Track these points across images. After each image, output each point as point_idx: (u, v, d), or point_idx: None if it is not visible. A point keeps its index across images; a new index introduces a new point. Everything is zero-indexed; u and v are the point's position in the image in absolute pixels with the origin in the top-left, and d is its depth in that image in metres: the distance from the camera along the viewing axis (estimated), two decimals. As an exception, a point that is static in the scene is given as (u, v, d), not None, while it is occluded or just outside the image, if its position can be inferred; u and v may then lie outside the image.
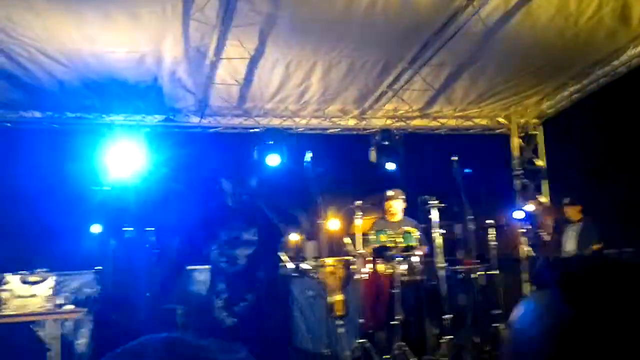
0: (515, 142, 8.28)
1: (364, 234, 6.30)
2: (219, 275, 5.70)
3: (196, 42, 5.58)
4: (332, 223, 8.95)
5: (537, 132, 8.23)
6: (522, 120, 8.21)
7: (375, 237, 6.16)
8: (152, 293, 6.23)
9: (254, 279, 5.39)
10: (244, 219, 5.66)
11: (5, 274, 5.67)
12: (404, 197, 6.62)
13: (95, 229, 9.17)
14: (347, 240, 6.45)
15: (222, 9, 5.01)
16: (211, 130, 7.45)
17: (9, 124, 6.86)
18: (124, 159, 6.68)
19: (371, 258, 6.21)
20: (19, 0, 4.78)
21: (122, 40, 5.50)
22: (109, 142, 6.67)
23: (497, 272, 6.34)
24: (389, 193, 6.58)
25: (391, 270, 5.99)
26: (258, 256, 5.49)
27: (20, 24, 5.11)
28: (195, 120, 7.26)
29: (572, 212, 7.12)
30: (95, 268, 6.93)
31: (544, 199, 8.17)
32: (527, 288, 7.89)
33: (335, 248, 7.30)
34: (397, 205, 6.55)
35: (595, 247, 7.00)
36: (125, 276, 6.77)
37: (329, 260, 6.51)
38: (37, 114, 6.89)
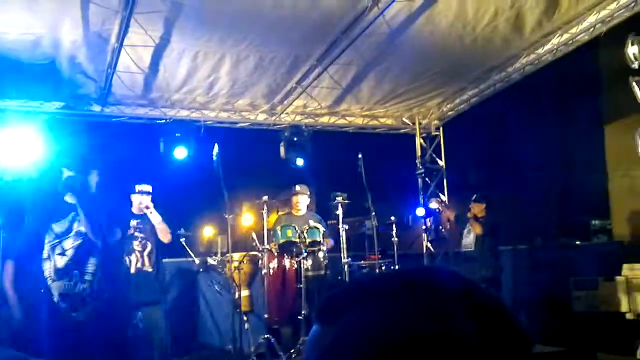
0: (418, 142, 8.61)
1: (270, 229, 6.33)
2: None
3: (97, 26, 5.38)
4: (240, 218, 8.93)
5: (439, 133, 8.60)
6: (425, 121, 8.55)
7: (281, 232, 6.20)
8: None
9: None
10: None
11: None
12: (309, 192, 6.72)
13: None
14: (253, 235, 6.46)
15: (124, -6, 4.86)
16: (114, 119, 7.20)
17: None
18: (19, 148, 6.32)
19: (277, 253, 6.25)
20: None
21: (16, 20, 5.21)
22: (2, 129, 6.29)
23: (397, 266, 6.56)
24: (297, 188, 6.65)
25: (296, 266, 6.06)
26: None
27: None
28: (96, 108, 7.00)
29: (477, 209, 7.46)
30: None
31: (444, 197, 8.53)
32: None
33: (245, 243, 7.28)
34: (303, 201, 6.64)
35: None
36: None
37: (236, 256, 6.49)
38: None
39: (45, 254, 5.08)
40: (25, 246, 5.27)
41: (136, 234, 5.67)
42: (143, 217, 5.73)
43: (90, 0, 4.94)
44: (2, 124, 6.26)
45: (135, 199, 5.80)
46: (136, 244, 5.66)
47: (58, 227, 5.17)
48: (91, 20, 5.26)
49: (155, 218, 5.71)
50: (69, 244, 5.13)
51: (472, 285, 0.68)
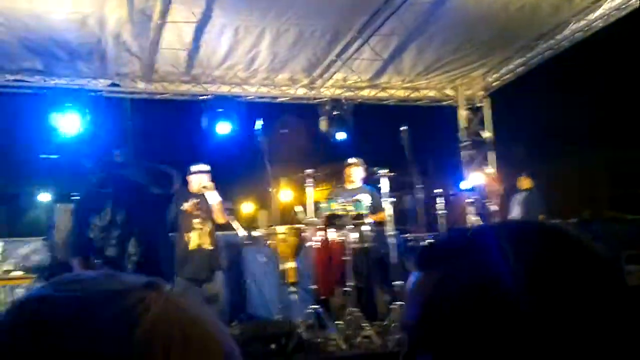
0: (462, 113, 8.44)
1: (315, 202, 6.36)
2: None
3: (140, 4, 5.45)
4: (283, 191, 9.02)
5: (484, 104, 8.41)
6: (469, 92, 8.36)
7: (326, 205, 6.22)
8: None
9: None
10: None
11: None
12: (365, 166, 6.68)
13: (44, 197, 8.99)
14: (298, 208, 6.50)
15: (166, -30, 4.91)
16: (158, 96, 7.32)
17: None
18: (68, 125, 6.53)
19: (322, 226, 6.28)
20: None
21: (63, 0, 5.32)
22: (54, 107, 6.50)
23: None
24: (350, 160, 6.64)
25: (342, 238, 6.08)
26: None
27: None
28: (141, 86, 7.12)
29: (522, 182, 7.36)
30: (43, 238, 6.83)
31: (490, 169, 8.38)
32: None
33: (289, 217, 7.35)
34: (356, 173, 6.61)
35: (541, 218, 7.26)
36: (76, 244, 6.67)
37: (281, 228, 6.55)
38: (-23, 76, 6.64)
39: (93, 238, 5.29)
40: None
41: (195, 212, 5.79)
42: (202, 197, 5.84)
43: (134, -23, 5.01)
44: (54, 102, 6.47)
45: (194, 179, 5.90)
46: (196, 222, 5.78)
47: (99, 220, 5.37)
48: (135, -2, 5.34)
49: (214, 198, 5.81)
50: (112, 233, 5.34)
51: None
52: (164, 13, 5.46)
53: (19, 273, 5.96)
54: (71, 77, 6.86)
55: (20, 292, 6.31)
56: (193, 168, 5.93)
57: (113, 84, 7.05)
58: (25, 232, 6.95)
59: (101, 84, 7.01)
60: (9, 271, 5.89)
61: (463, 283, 0.66)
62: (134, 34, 6.02)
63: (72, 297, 0.55)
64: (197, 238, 5.79)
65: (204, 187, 5.79)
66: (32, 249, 6.74)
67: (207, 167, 5.94)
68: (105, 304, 0.54)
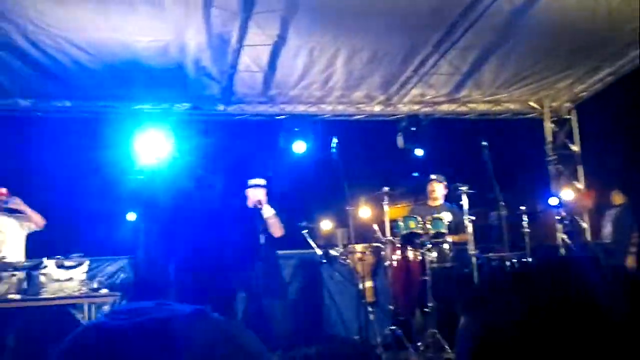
0: (548, 126, 8.06)
1: (393, 221, 6.24)
2: None
3: (218, 29, 5.59)
4: (360, 209, 8.92)
5: (571, 116, 7.99)
6: (555, 104, 7.98)
7: (404, 223, 6.10)
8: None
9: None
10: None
11: (43, 259, 5.86)
12: (446, 182, 6.52)
13: (130, 216, 9.38)
14: (375, 227, 6.41)
15: (242, -5, 5.01)
16: (236, 117, 7.48)
17: (40, 113, 7.03)
18: (152, 147, 6.79)
19: (400, 245, 6.15)
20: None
21: (146, 29, 5.55)
22: (138, 130, 6.78)
23: (531, 259, 6.19)
24: (432, 176, 6.50)
25: (421, 257, 5.93)
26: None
27: (48, 15, 5.21)
28: (220, 108, 7.30)
29: (615, 197, 6.95)
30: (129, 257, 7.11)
31: (580, 184, 7.96)
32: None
33: (366, 235, 7.27)
34: (438, 190, 6.46)
35: (633, 239, 6.79)
36: (157, 262, 6.90)
37: (358, 247, 6.48)
38: (67, 103, 7.03)
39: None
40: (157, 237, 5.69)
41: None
42: (257, 211, 5.92)
43: (212, 4, 5.14)
44: (138, 126, 6.76)
45: (250, 193, 6.01)
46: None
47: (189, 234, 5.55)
48: (213, 24, 5.48)
49: (268, 211, 5.85)
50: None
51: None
52: (242, 37, 5.58)
53: (105, 291, 6.20)
54: (154, 102, 7.15)
55: (106, 310, 6.57)
56: (250, 182, 6.01)
57: (193, 107, 7.27)
58: (112, 250, 7.23)
59: (183, 107, 7.25)
60: (96, 289, 6.14)
61: (505, 327, 0.66)
62: (212, 59, 6.19)
63: (123, 326, 0.62)
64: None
65: (259, 202, 5.84)
66: (118, 267, 7.02)
67: (263, 181, 6.02)
68: (151, 332, 0.61)
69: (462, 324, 0.72)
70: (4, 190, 5.91)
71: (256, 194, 5.94)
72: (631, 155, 8.18)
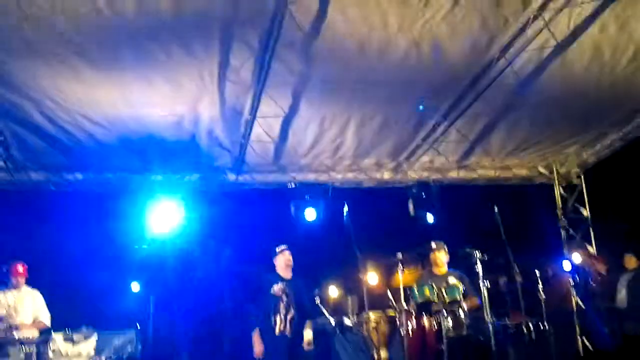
0: (558, 191, 8.08)
1: (406, 288, 6.15)
2: None
3: (232, 102, 5.71)
4: (371, 276, 8.83)
5: (580, 181, 8.02)
6: (563, 170, 8.03)
7: (418, 291, 6.01)
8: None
9: None
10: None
11: (52, 333, 5.76)
12: (446, 248, 6.50)
13: (135, 286, 9.26)
14: (389, 294, 6.30)
15: (256, 70, 5.13)
16: (247, 187, 7.51)
17: (52, 187, 7.06)
18: (163, 217, 6.78)
19: (415, 313, 6.04)
20: (67, 71, 4.99)
21: (161, 104, 5.67)
22: (149, 201, 6.80)
23: (547, 325, 6.06)
24: (434, 245, 6.46)
25: (437, 326, 5.80)
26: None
27: (66, 92, 5.34)
28: (232, 177, 7.34)
29: (628, 261, 6.86)
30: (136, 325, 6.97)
31: (591, 248, 7.89)
32: (579, 341, 7.54)
33: (377, 302, 7.14)
34: (442, 257, 6.42)
35: None
36: (166, 333, 6.76)
37: (372, 315, 6.36)
38: (79, 176, 7.07)
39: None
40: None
41: (283, 296, 5.80)
42: (289, 282, 5.86)
43: (227, 78, 5.26)
44: (150, 197, 6.78)
45: (279, 259, 5.98)
46: (282, 306, 5.79)
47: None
48: (227, 97, 5.60)
49: (308, 335, 5.86)
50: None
51: None
52: (254, 109, 5.68)
53: (112, 365, 6.05)
54: (166, 173, 7.20)
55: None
56: (278, 248, 6.01)
57: (203, 177, 7.31)
58: (118, 322, 7.09)
59: (194, 177, 7.29)
60: (102, 364, 5.99)
61: None
62: (225, 130, 6.29)
63: None
64: (279, 322, 5.75)
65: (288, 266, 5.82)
66: (125, 340, 6.86)
67: (286, 245, 6.07)
68: None
69: None
70: (20, 268, 5.92)
71: (287, 257, 5.96)
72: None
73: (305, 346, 5.86)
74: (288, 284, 5.88)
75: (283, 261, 5.98)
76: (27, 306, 6.08)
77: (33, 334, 5.87)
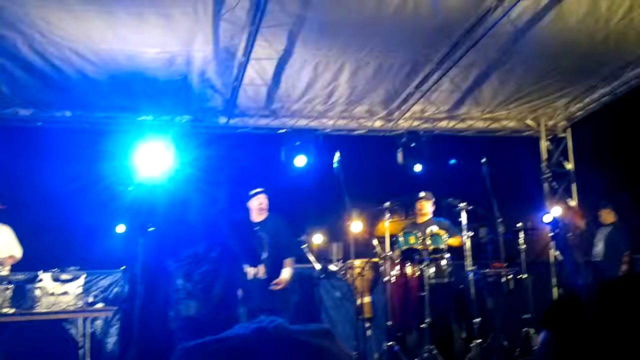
0: (544, 145, 8.20)
1: (392, 236, 6.27)
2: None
3: (226, 42, 5.63)
4: (357, 224, 8.93)
5: (566, 135, 8.14)
6: (551, 123, 8.13)
7: (403, 239, 6.14)
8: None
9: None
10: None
11: (38, 272, 5.79)
12: (434, 199, 6.61)
13: (122, 228, 9.28)
14: (375, 242, 6.43)
15: (252, 10, 5.04)
16: (238, 130, 7.50)
17: (40, 123, 6.98)
18: (152, 159, 6.75)
19: (399, 260, 6.18)
20: (55, 1, 4.86)
21: (153, 40, 5.56)
22: (138, 141, 6.74)
23: (526, 275, 6.26)
24: (421, 194, 6.56)
25: (419, 273, 5.96)
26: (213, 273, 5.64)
27: (55, 24, 5.20)
28: (223, 120, 7.31)
29: (606, 215, 7.05)
30: (122, 268, 7.04)
31: (573, 202, 8.07)
32: (556, 292, 7.80)
33: (362, 250, 7.28)
34: (428, 207, 6.54)
35: (625, 258, 6.90)
36: (153, 275, 6.83)
37: (357, 262, 6.49)
38: (68, 113, 6.99)
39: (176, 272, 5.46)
40: (157, 253, 5.67)
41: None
42: (262, 224, 5.94)
43: (221, 17, 5.17)
44: (140, 137, 6.72)
45: (253, 203, 6.05)
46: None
47: (182, 251, 5.56)
48: (221, 36, 5.51)
49: (286, 273, 5.99)
50: (197, 267, 5.49)
51: None
52: (248, 50, 5.61)
53: (101, 305, 6.13)
54: (156, 114, 7.13)
55: (99, 324, 6.50)
56: (251, 192, 6.12)
57: (195, 119, 7.27)
58: (105, 263, 7.16)
59: (185, 119, 7.24)
60: (91, 303, 6.08)
61: (587, 346, 0.70)
62: (218, 71, 6.22)
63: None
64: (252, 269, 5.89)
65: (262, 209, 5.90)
66: (112, 281, 6.95)
67: (262, 189, 6.13)
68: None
69: (544, 339, 0.75)
70: None
71: (261, 200, 6.00)
72: (623, 175, 8.35)
73: (273, 285, 5.93)
74: (262, 226, 5.94)
75: (256, 204, 6.05)
76: (0, 241, 6.13)
77: (7, 269, 5.93)
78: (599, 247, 7.47)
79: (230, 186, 7.43)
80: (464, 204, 6.22)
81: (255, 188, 6.23)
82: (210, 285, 5.67)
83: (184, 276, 5.67)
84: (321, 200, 8.31)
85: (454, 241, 6.19)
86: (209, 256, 5.53)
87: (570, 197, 8.12)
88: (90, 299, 6.25)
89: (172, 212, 6.50)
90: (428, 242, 6.02)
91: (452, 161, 6.15)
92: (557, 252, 7.90)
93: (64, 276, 6.00)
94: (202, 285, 5.63)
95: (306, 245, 6.80)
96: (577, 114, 7.85)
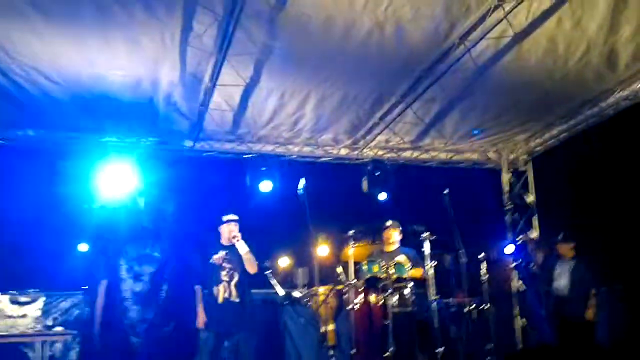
0: (505, 177, 8.38)
1: (356, 263, 6.30)
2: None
3: (193, 67, 5.66)
4: (322, 249, 8.96)
5: (527, 168, 8.33)
6: (512, 156, 8.33)
7: (367, 267, 6.17)
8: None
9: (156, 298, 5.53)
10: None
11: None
12: (401, 227, 6.66)
13: (83, 247, 9.13)
14: (339, 269, 6.44)
15: (219, 37, 5.09)
16: (204, 154, 7.49)
17: (2, 141, 6.88)
18: (116, 180, 6.70)
19: (363, 288, 6.20)
20: (21, 22, 4.83)
21: (119, 63, 5.55)
22: (102, 162, 6.69)
23: (488, 305, 6.33)
24: (388, 223, 6.61)
25: (383, 302, 5.98)
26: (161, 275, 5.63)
27: (20, 44, 5.16)
28: (189, 143, 7.31)
29: (565, 249, 7.11)
30: (84, 288, 6.91)
31: (534, 233, 8.21)
32: (518, 322, 7.89)
33: (327, 275, 7.29)
34: (395, 236, 6.59)
35: (592, 300, 6.88)
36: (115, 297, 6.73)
37: (321, 289, 6.49)
38: (31, 132, 6.92)
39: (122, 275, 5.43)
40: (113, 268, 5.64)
41: (224, 264, 5.84)
42: (231, 248, 5.89)
43: (188, 43, 5.21)
44: (103, 158, 6.67)
45: (223, 229, 5.99)
46: (224, 274, 5.83)
47: (133, 251, 5.51)
48: (188, 62, 5.55)
49: (243, 248, 5.86)
50: (145, 269, 5.46)
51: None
52: (215, 77, 5.65)
53: (60, 329, 6.01)
54: (121, 135, 7.10)
55: (58, 347, 6.35)
56: (224, 217, 6.00)
57: (161, 142, 7.25)
58: (65, 285, 7.03)
59: (150, 141, 7.22)
60: (50, 326, 5.95)
61: None
62: (184, 96, 6.23)
63: None
64: (223, 291, 5.81)
65: (234, 237, 5.83)
66: (73, 303, 6.81)
67: (236, 217, 6.02)
68: None
69: None
70: None
71: (231, 229, 5.94)
72: (583, 208, 8.54)
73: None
74: (230, 250, 5.90)
75: (227, 232, 5.98)
76: None
77: None
78: (563, 282, 7.42)
79: (194, 209, 7.40)
80: (428, 233, 6.29)
81: (224, 212, 6.16)
82: (157, 287, 5.63)
83: (133, 277, 5.63)
84: (287, 226, 8.32)
85: (415, 272, 6.23)
86: (156, 257, 5.53)
87: (532, 228, 8.27)
88: (50, 322, 6.13)
89: (134, 235, 6.42)
90: (391, 270, 6.04)
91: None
92: (520, 283, 8.02)
93: (22, 298, 5.89)
94: (150, 286, 5.59)
95: (270, 271, 6.78)
96: (537, 149, 8.05)
